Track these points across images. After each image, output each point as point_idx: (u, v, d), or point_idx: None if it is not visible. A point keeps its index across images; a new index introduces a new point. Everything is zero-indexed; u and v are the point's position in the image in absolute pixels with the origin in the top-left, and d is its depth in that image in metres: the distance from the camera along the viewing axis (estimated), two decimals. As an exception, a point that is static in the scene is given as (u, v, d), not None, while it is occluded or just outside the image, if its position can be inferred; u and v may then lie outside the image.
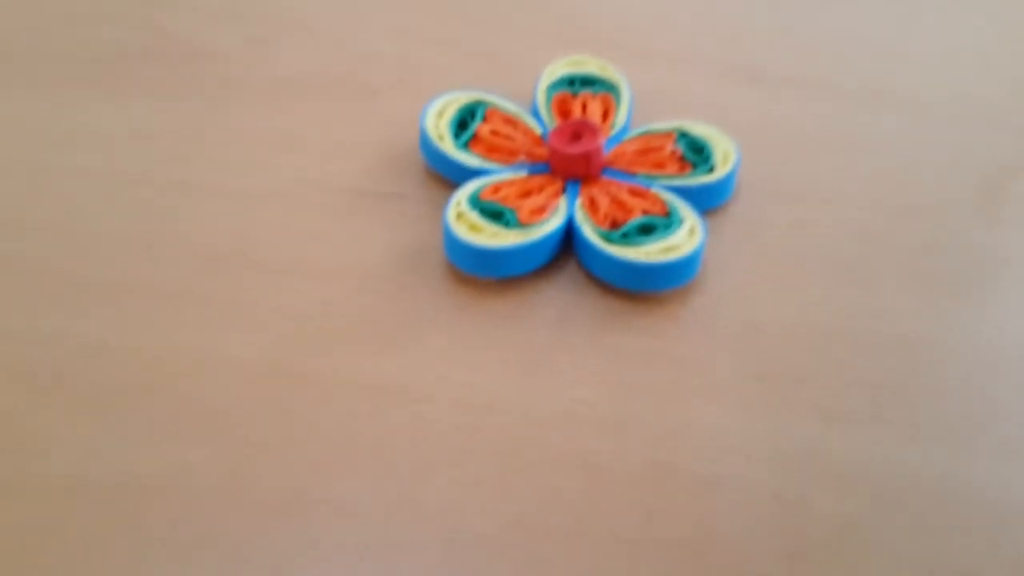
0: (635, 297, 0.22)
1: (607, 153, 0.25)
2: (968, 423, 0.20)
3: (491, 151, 0.25)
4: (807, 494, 0.19)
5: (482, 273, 0.22)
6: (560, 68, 0.27)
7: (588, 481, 0.19)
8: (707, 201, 0.24)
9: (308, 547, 0.18)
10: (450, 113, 0.25)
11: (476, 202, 0.23)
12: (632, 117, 0.26)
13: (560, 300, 0.22)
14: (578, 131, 0.24)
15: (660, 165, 0.24)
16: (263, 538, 0.18)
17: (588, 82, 0.27)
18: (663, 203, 0.23)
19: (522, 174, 0.24)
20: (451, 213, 0.23)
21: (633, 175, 0.24)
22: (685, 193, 0.24)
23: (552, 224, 0.23)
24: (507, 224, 0.22)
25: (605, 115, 0.26)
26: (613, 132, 0.25)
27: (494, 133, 0.25)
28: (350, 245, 0.24)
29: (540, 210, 0.23)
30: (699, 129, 0.25)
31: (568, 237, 0.23)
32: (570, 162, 0.24)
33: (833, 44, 0.29)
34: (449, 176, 0.25)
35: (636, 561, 0.18)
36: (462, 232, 0.22)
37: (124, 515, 0.18)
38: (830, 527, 0.18)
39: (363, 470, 0.19)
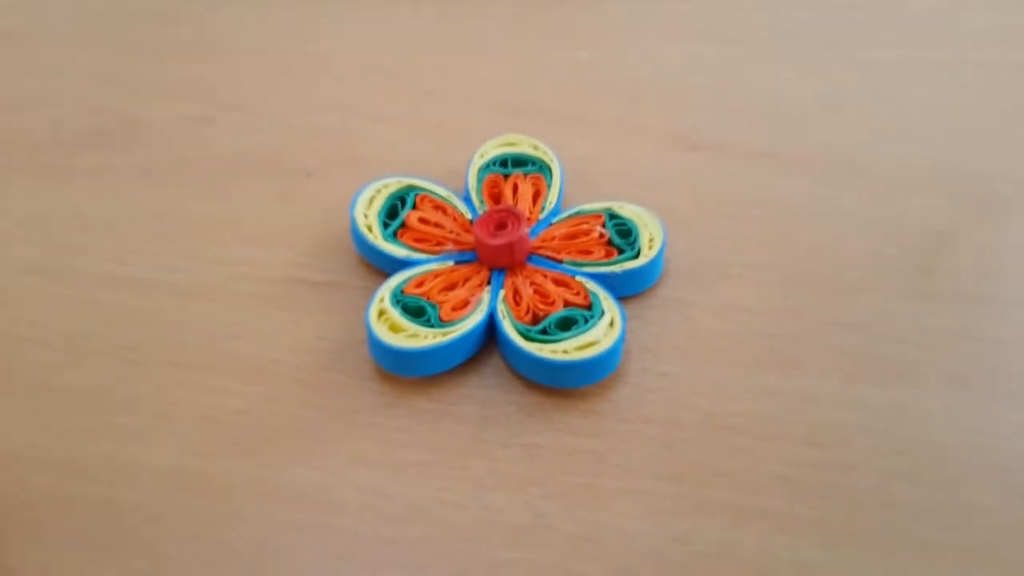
0: (557, 391, 0.22)
1: (535, 238, 0.25)
2: (881, 525, 0.20)
3: (419, 240, 0.25)
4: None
5: (404, 372, 0.22)
6: (492, 148, 0.27)
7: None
8: (632, 286, 0.24)
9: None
10: (380, 201, 0.25)
11: (399, 298, 0.23)
12: (564, 194, 0.26)
13: (482, 396, 0.22)
14: (503, 220, 0.24)
15: (586, 251, 0.24)
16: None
17: (520, 162, 0.27)
18: (586, 292, 0.23)
19: (448, 264, 0.24)
20: (373, 312, 0.23)
21: (559, 263, 0.24)
22: (610, 280, 0.23)
23: (472, 321, 0.22)
24: (428, 322, 0.22)
25: (536, 197, 0.26)
26: (543, 215, 0.25)
27: (423, 221, 0.25)
28: (278, 339, 0.24)
29: (462, 305, 0.23)
30: (627, 211, 0.25)
31: (492, 329, 0.23)
32: (494, 252, 0.24)
33: (771, 111, 0.29)
34: (379, 265, 0.25)
35: None
36: (382, 333, 0.22)
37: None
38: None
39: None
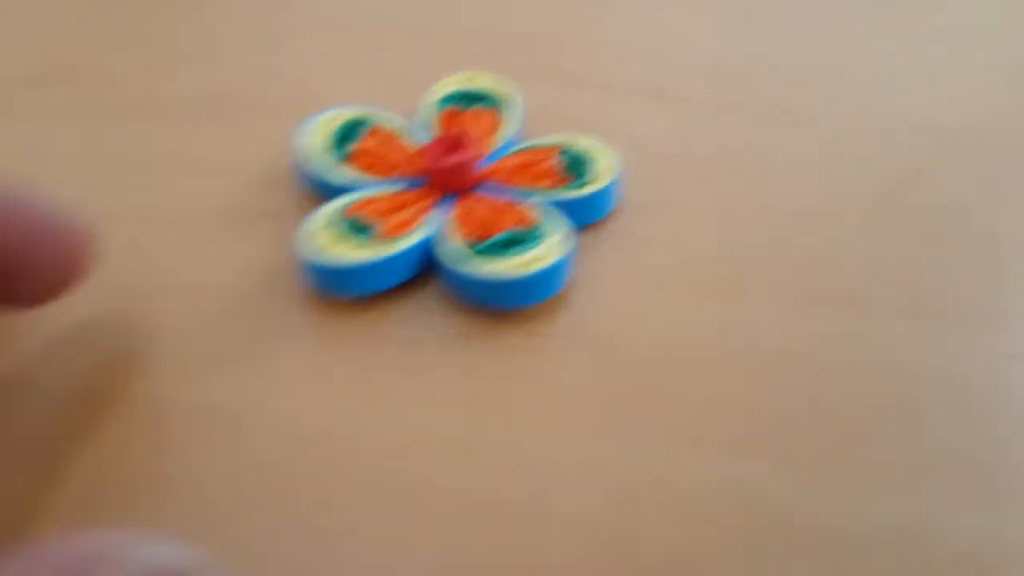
0: (498, 315, 0.21)
1: (487, 167, 0.24)
2: (827, 448, 0.19)
3: (369, 167, 0.24)
4: (642, 527, 0.18)
5: (339, 291, 0.22)
6: (452, 83, 0.26)
7: (411, 510, 0.18)
8: (584, 215, 0.23)
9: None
10: (330, 130, 0.25)
11: (340, 218, 0.22)
12: (524, 134, 0.25)
13: (420, 319, 0.22)
14: (454, 144, 0.23)
15: (537, 179, 0.23)
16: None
17: (480, 98, 0.26)
18: (533, 217, 0.22)
19: (397, 189, 0.23)
20: (311, 228, 0.22)
21: (509, 189, 0.23)
22: (560, 207, 0.23)
23: (412, 238, 0.22)
24: (366, 239, 0.22)
25: (491, 130, 0.25)
26: (498, 147, 0.25)
27: (374, 149, 0.24)
28: (218, 265, 0.23)
29: (405, 224, 0.22)
30: (583, 144, 0.24)
31: (435, 252, 0.22)
32: (443, 175, 0.23)
33: (739, 67, 0.28)
34: (326, 196, 0.24)
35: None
36: (317, 248, 0.21)
37: None
38: (664, 562, 0.17)
39: (178, 504, 0.18)
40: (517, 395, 0.20)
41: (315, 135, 0.25)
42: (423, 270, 0.22)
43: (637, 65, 0.28)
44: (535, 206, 0.23)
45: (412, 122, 0.25)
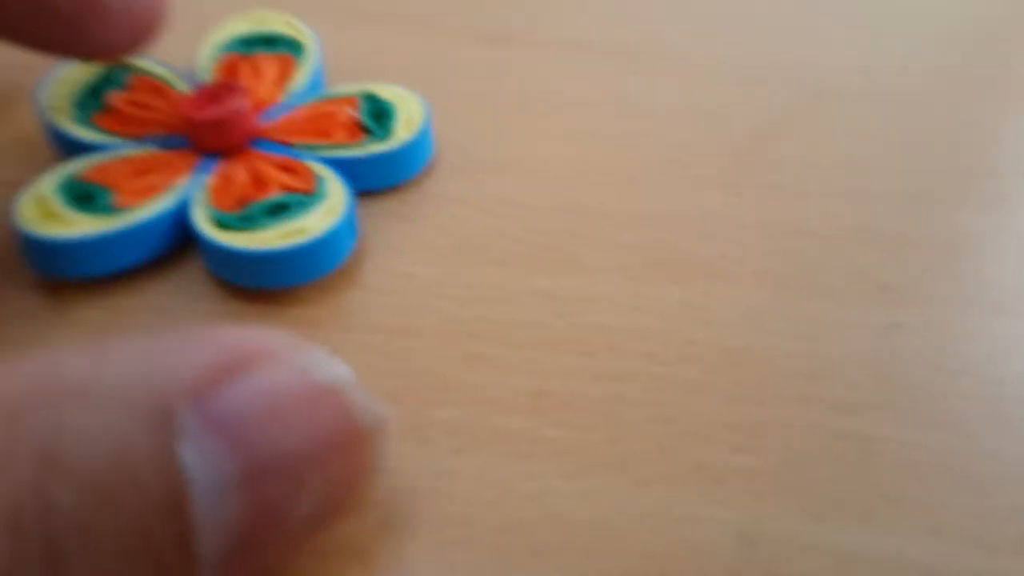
0: (267, 297, 0.17)
1: (268, 123, 0.20)
2: (646, 447, 0.15)
3: (125, 125, 0.20)
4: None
5: (62, 273, 0.17)
6: (237, 25, 0.22)
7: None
8: (383, 176, 0.19)
9: None
10: (78, 80, 0.20)
11: (69, 184, 0.18)
12: (322, 85, 0.21)
13: (168, 304, 0.17)
14: (219, 94, 0.19)
15: (324, 134, 0.19)
16: None
17: (269, 41, 0.22)
18: (313, 177, 0.18)
19: (150, 150, 0.19)
20: (26, 198, 0.17)
21: (288, 147, 0.19)
22: (348, 166, 0.19)
23: (154, 208, 0.17)
24: (95, 209, 0.17)
25: (280, 78, 0.21)
26: (288, 98, 0.20)
27: (131, 103, 0.20)
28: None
29: (148, 190, 0.18)
30: (387, 92, 0.20)
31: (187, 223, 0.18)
32: (202, 131, 0.19)
33: (581, 3, 0.24)
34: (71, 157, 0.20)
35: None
36: (33, 221, 0.17)
37: None
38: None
39: None
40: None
41: (62, 86, 0.20)
42: (180, 246, 0.18)
43: (464, 1, 0.24)
44: (318, 166, 0.18)
45: (183, 71, 0.21)
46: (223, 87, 0.19)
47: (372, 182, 0.19)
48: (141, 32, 0.19)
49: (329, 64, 0.22)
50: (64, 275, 0.17)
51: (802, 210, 0.19)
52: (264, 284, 0.17)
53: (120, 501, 0.10)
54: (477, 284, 0.18)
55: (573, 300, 0.17)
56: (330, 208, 0.17)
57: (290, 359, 0.12)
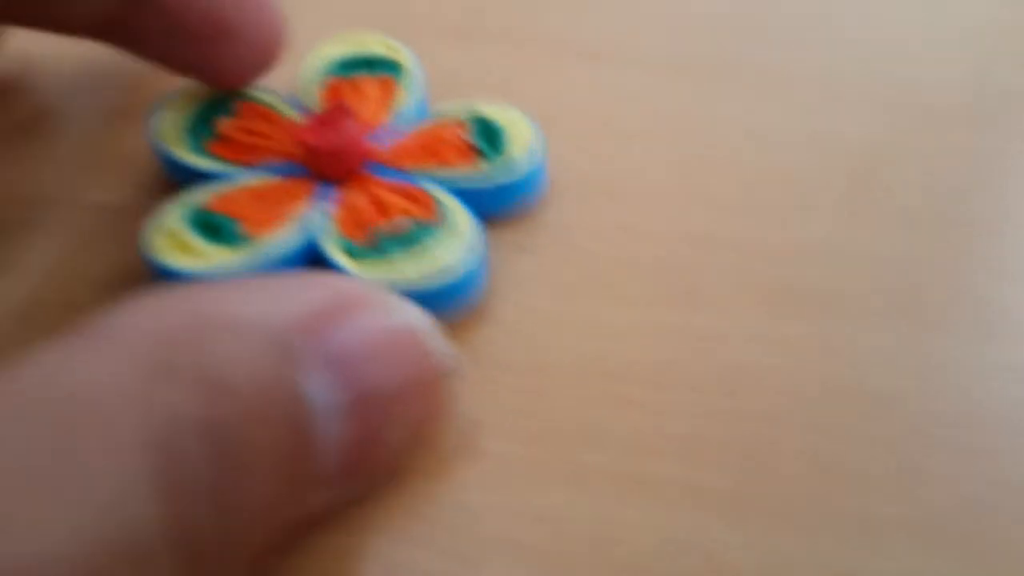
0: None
1: (378, 147, 0.19)
2: (807, 495, 0.15)
3: (238, 152, 0.20)
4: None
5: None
6: (336, 49, 0.22)
7: None
8: (499, 202, 0.19)
9: None
10: (190, 107, 0.20)
11: (196, 214, 0.18)
12: (427, 104, 0.21)
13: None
14: (334, 120, 0.19)
15: (441, 157, 0.19)
16: None
17: (369, 64, 0.21)
18: (436, 206, 0.18)
19: (267, 177, 0.19)
20: (155, 229, 0.17)
21: (406, 171, 0.19)
22: (471, 194, 0.18)
23: (284, 237, 0.17)
24: (225, 240, 0.17)
25: (384, 100, 0.21)
26: (395, 121, 0.20)
27: (242, 130, 0.20)
28: (51, 272, 0.18)
29: (273, 219, 0.18)
30: (496, 113, 0.20)
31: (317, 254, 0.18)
32: (321, 158, 0.19)
33: (681, 19, 0.24)
34: (187, 184, 0.19)
35: None
36: (164, 254, 0.17)
37: None
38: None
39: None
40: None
41: (173, 112, 0.20)
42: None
43: (561, 17, 0.24)
44: (439, 193, 0.18)
45: (287, 96, 0.21)
46: (336, 112, 0.19)
47: (488, 209, 0.19)
48: (265, 57, 0.19)
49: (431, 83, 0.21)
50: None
51: (923, 240, 0.19)
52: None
53: (267, 419, 0.11)
54: (606, 320, 0.17)
55: (706, 336, 0.17)
56: (463, 241, 0.17)
57: (382, 304, 0.13)
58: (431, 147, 0.20)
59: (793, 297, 0.18)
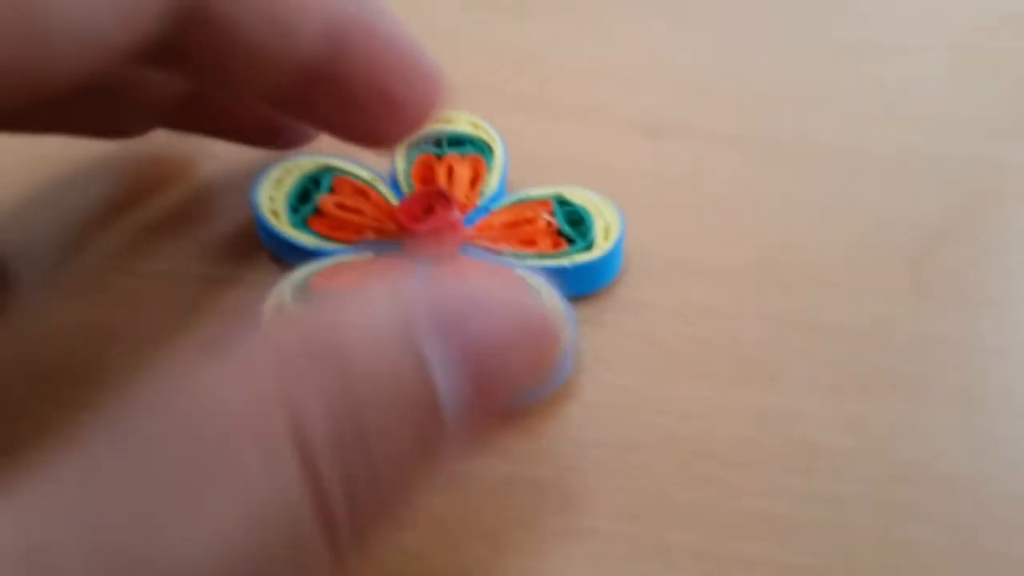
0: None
1: (472, 226, 0.21)
2: (882, 573, 0.16)
3: (335, 228, 0.21)
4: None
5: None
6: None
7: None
8: (584, 284, 0.20)
9: None
10: (289, 183, 0.22)
11: (303, 293, 0.19)
12: (508, 179, 0.22)
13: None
14: (432, 202, 0.20)
15: (531, 241, 0.21)
16: None
17: (456, 142, 0.23)
18: (527, 288, 0.19)
19: (367, 256, 0.20)
20: (270, 307, 0.19)
21: (498, 254, 0.20)
22: (558, 275, 0.20)
23: (389, 320, 0.19)
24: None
25: (474, 181, 0.22)
26: (482, 201, 0.21)
27: (340, 206, 0.21)
28: (159, 342, 0.20)
29: (379, 302, 0.19)
30: (579, 197, 0.21)
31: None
32: (422, 240, 0.20)
33: (740, 95, 0.26)
34: (287, 259, 0.21)
35: None
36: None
37: None
38: None
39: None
40: (518, 511, 0.17)
41: (275, 187, 0.21)
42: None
43: (627, 93, 0.26)
44: (530, 276, 0.20)
45: (379, 172, 0.22)
46: (434, 195, 0.20)
47: (573, 290, 0.20)
48: (423, 122, 0.19)
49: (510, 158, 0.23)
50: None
51: (987, 322, 0.20)
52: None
53: (397, 395, 0.12)
54: (689, 398, 0.19)
55: (780, 416, 0.18)
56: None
57: (509, 301, 0.14)
58: (521, 231, 0.21)
59: (860, 379, 0.19)
